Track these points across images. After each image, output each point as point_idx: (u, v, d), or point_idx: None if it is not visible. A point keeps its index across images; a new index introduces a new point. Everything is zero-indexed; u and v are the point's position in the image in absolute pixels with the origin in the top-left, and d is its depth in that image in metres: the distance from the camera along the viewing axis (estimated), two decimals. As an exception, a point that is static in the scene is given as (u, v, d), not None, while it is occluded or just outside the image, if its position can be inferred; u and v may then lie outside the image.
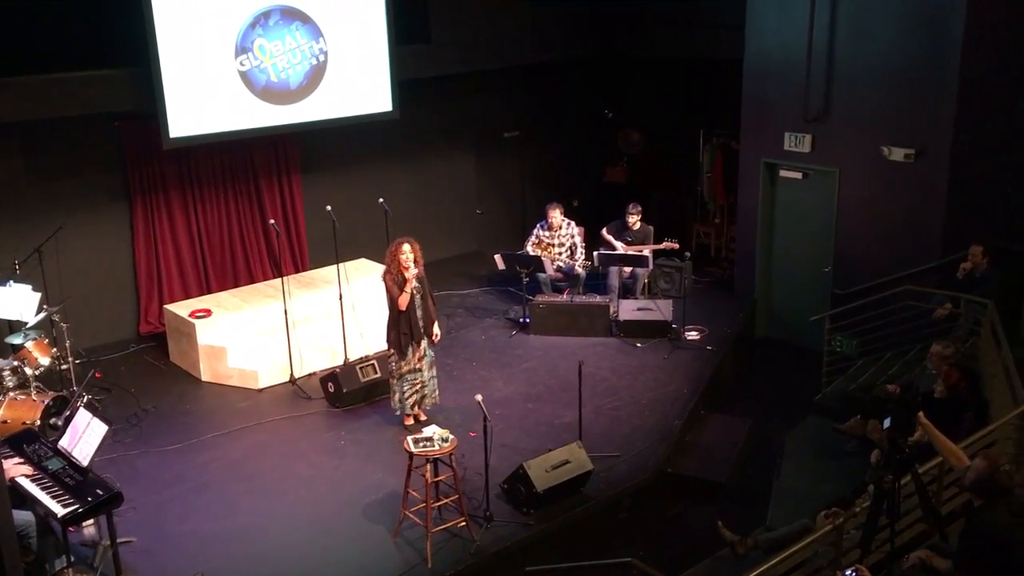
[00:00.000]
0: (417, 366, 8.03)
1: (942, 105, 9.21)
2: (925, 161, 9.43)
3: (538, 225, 11.08)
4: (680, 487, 7.98)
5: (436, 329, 8.04)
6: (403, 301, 7.76)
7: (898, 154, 9.52)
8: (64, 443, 6.36)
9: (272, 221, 10.13)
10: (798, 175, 10.66)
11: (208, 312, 9.63)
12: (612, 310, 10.43)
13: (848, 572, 4.72)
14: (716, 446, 8.51)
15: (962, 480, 5.36)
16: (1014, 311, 9.06)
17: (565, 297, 10.61)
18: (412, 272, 7.74)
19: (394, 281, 7.81)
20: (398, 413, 8.19)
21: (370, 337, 9.47)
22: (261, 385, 9.24)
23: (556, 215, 10.83)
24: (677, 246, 10.84)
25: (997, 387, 7.17)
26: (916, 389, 7.40)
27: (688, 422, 8.67)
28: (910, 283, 9.30)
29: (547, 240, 10.98)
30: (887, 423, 5.30)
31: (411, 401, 8.09)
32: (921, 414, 5.55)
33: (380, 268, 8.07)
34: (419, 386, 8.09)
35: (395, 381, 8.09)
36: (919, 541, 5.77)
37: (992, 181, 9.36)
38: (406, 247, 7.76)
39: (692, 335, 10.29)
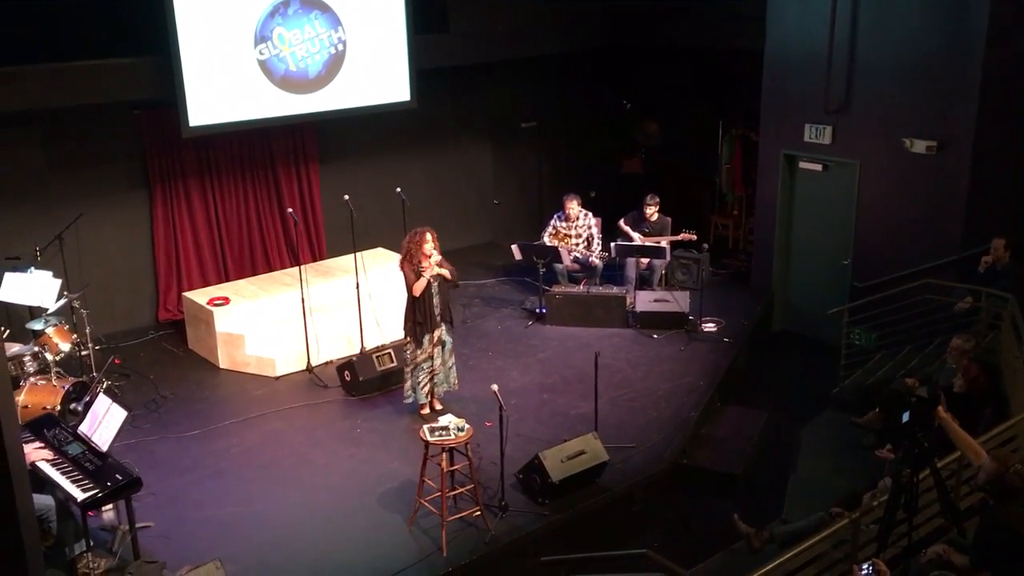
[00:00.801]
0: (431, 353, 8.03)
1: (965, 97, 9.11)
2: (947, 154, 9.34)
3: (555, 216, 11.06)
4: (695, 479, 7.96)
5: (445, 271, 7.83)
6: (418, 287, 7.77)
7: (920, 146, 9.44)
8: (84, 428, 6.41)
9: (290, 210, 10.15)
10: (818, 167, 10.58)
11: (226, 300, 9.67)
12: (629, 301, 10.41)
13: (865, 566, 4.70)
14: (732, 438, 8.48)
15: (975, 480, 5.32)
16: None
17: (582, 288, 10.59)
18: (435, 258, 7.76)
19: (412, 269, 7.82)
20: (408, 401, 8.20)
21: (386, 326, 9.49)
22: (278, 373, 9.28)
23: (573, 206, 10.81)
24: (695, 237, 10.80)
25: (1017, 382, 7.11)
26: (935, 383, 7.34)
27: (704, 414, 8.64)
28: (930, 276, 9.23)
29: (564, 231, 10.95)
30: (906, 417, 5.26)
31: (425, 391, 8.09)
32: (940, 409, 5.50)
33: (397, 257, 8.06)
34: (431, 374, 8.08)
35: (408, 370, 8.10)
36: (937, 536, 5.74)
37: (1015, 174, 9.27)
38: (428, 236, 7.80)
39: (709, 327, 10.25)
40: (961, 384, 7.36)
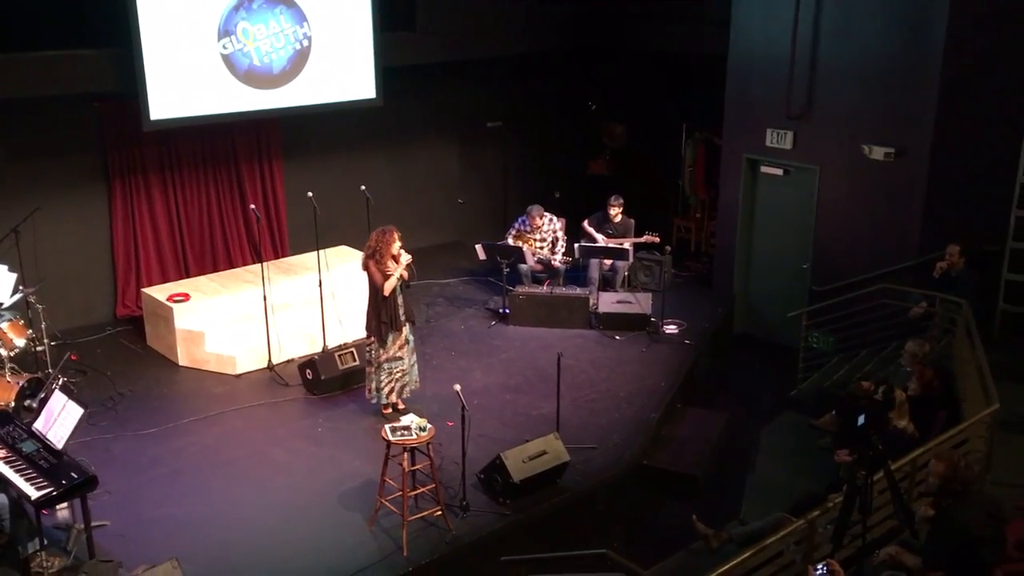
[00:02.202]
0: (398, 354, 8.02)
1: (923, 105, 9.28)
2: (905, 160, 9.49)
3: (519, 219, 11.07)
4: (656, 480, 8.02)
5: (405, 271, 7.81)
6: (388, 286, 7.76)
7: (878, 153, 9.58)
8: (39, 425, 6.31)
9: (253, 206, 10.07)
10: (779, 171, 10.71)
11: (186, 296, 9.57)
12: (592, 302, 10.46)
13: (819, 567, 4.77)
14: (692, 440, 8.56)
15: (926, 487, 5.41)
16: (988, 311, 9.16)
17: (545, 288, 10.62)
18: (406, 258, 7.76)
19: (378, 268, 7.80)
20: (374, 402, 8.18)
21: (349, 324, 9.45)
22: (239, 371, 9.21)
23: (537, 220, 10.84)
24: (658, 240, 10.88)
25: (970, 386, 7.26)
26: (891, 387, 7.47)
27: (665, 416, 8.71)
28: (887, 281, 9.38)
29: (528, 234, 10.98)
30: (861, 420, 5.35)
31: (387, 390, 8.08)
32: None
33: (360, 256, 8.03)
34: (399, 374, 8.08)
35: (372, 369, 8.07)
36: (890, 537, 5.84)
37: (971, 181, 9.44)
38: (396, 235, 7.78)
39: (671, 329, 10.34)
40: (915, 388, 7.49)
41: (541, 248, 10.97)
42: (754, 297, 11.39)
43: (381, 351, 7.97)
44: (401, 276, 7.85)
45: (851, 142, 9.82)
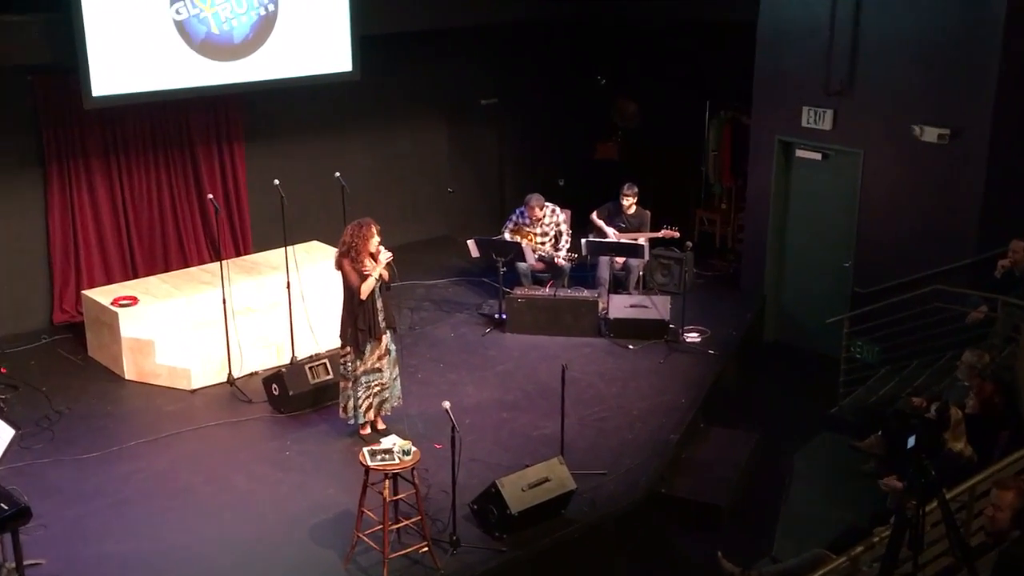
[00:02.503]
0: (377, 366, 8.02)
1: (982, 80, 9.28)
2: (961, 143, 9.50)
3: (517, 211, 11.07)
4: (675, 511, 8.02)
5: (384, 271, 7.81)
6: (365, 289, 7.75)
7: (931, 134, 9.59)
8: (-37, 449, 6.29)
9: (210, 196, 10.06)
10: (817, 156, 10.72)
11: (134, 300, 9.57)
12: (601, 306, 10.46)
13: (864, 610, 4.77)
14: (716, 464, 8.56)
15: (994, 527, 5.39)
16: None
17: (547, 291, 10.62)
18: (385, 256, 7.75)
19: (353, 267, 7.79)
20: (350, 423, 8.18)
21: (321, 332, 9.44)
22: (194, 385, 9.20)
23: (537, 211, 10.84)
24: (677, 234, 10.88)
25: (1036, 403, 7.27)
26: (945, 403, 7.47)
27: (685, 437, 8.71)
28: (941, 282, 9.38)
29: (527, 228, 10.98)
30: (911, 442, 5.34)
31: (365, 407, 8.07)
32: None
33: (334, 252, 8.03)
34: (377, 388, 8.08)
35: (348, 384, 8.07)
36: (945, 576, 5.85)
37: (1036, 167, 9.46)
38: (375, 230, 7.77)
39: (692, 337, 10.34)
40: (974, 404, 7.50)
41: (542, 244, 10.98)
42: (788, 300, 11.40)
43: (358, 363, 7.97)
44: (380, 277, 7.84)
45: (899, 122, 9.83)
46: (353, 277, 7.80)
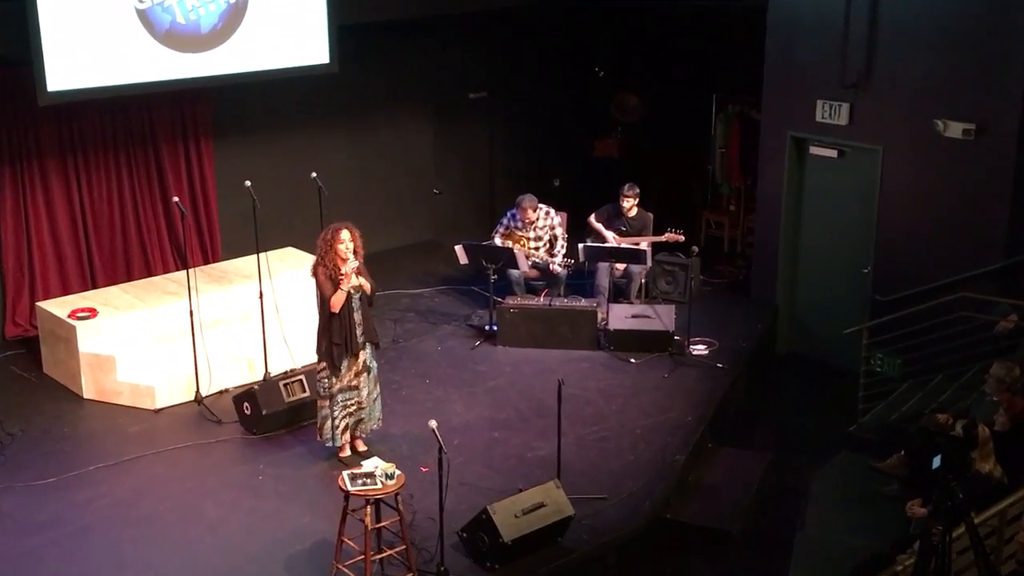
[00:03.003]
0: (353, 383, 8.01)
1: (1010, 71, 9.32)
2: (988, 138, 9.54)
3: (508, 214, 11.08)
4: (681, 538, 8.02)
5: (364, 282, 7.83)
6: (336, 301, 7.74)
7: (955, 129, 9.62)
8: (-94, 475, 6.27)
9: (176, 199, 10.05)
10: (832, 153, 10.75)
11: (93, 312, 9.55)
12: (600, 317, 10.47)
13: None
14: (726, 487, 8.56)
15: None
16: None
17: (542, 300, 10.62)
18: (351, 265, 7.72)
19: (328, 276, 7.79)
20: (328, 445, 8.17)
21: (297, 347, 9.43)
22: (159, 404, 9.19)
23: (530, 213, 10.84)
24: (682, 238, 10.90)
25: (1071, 419, 7.28)
26: (973, 420, 7.49)
27: (692, 457, 8.71)
28: (968, 289, 9.40)
29: (520, 232, 10.98)
30: (937, 462, 5.36)
31: (341, 427, 8.06)
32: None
33: (311, 259, 8.03)
34: (354, 407, 8.06)
35: (325, 403, 8.06)
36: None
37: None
38: (345, 234, 7.74)
39: (699, 349, 10.35)
40: (1003, 421, 7.52)
41: (536, 249, 10.98)
42: (802, 309, 11.42)
43: (334, 379, 7.96)
44: (360, 288, 7.84)
45: (921, 116, 9.87)
46: (327, 287, 7.79)
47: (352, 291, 7.80)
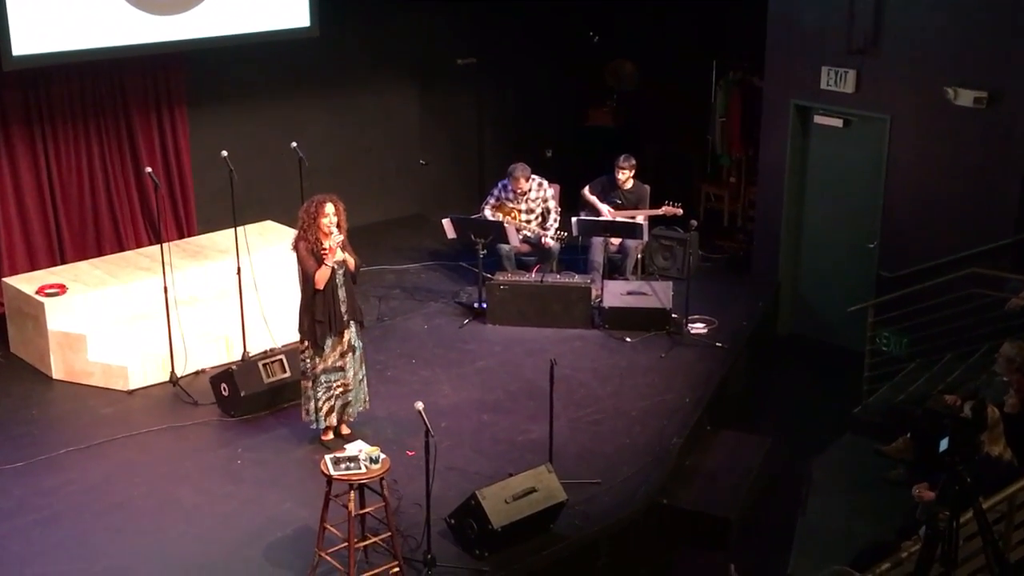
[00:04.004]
0: (339, 363, 8.01)
1: None
2: (1000, 107, 9.54)
3: (499, 185, 11.07)
4: (678, 524, 8.06)
5: (348, 257, 7.85)
6: (321, 277, 7.73)
7: (966, 97, 9.62)
8: None
9: (149, 170, 10.01)
10: (838, 122, 10.75)
11: (62, 288, 9.53)
12: (595, 294, 10.48)
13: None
14: (725, 472, 8.59)
15: None
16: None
17: (533, 276, 10.63)
18: (335, 239, 7.71)
19: (310, 251, 7.78)
20: (313, 426, 8.18)
21: (277, 325, 9.43)
22: (132, 385, 9.19)
23: (523, 183, 10.82)
24: (680, 212, 10.89)
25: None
26: (982, 401, 7.52)
27: (690, 441, 8.74)
28: (978, 265, 9.42)
29: (511, 204, 10.97)
30: (944, 445, 5.38)
31: (326, 410, 8.06)
32: None
33: (291, 233, 8.01)
34: (340, 389, 8.07)
35: (308, 384, 8.07)
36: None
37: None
38: (329, 207, 7.73)
39: (697, 328, 10.37)
40: (1014, 403, 7.55)
41: (528, 223, 10.97)
42: (805, 286, 11.44)
43: (316, 360, 7.96)
44: (344, 264, 7.83)
45: (931, 84, 9.86)
46: (309, 262, 7.77)
47: (336, 266, 7.80)
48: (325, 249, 7.72)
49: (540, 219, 11.02)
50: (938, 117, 9.93)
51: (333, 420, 8.16)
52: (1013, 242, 9.57)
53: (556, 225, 10.96)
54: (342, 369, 8.05)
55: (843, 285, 10.80)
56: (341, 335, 7.97)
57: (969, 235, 9.78)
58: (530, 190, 10.93)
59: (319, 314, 7.84)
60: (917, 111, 10.10)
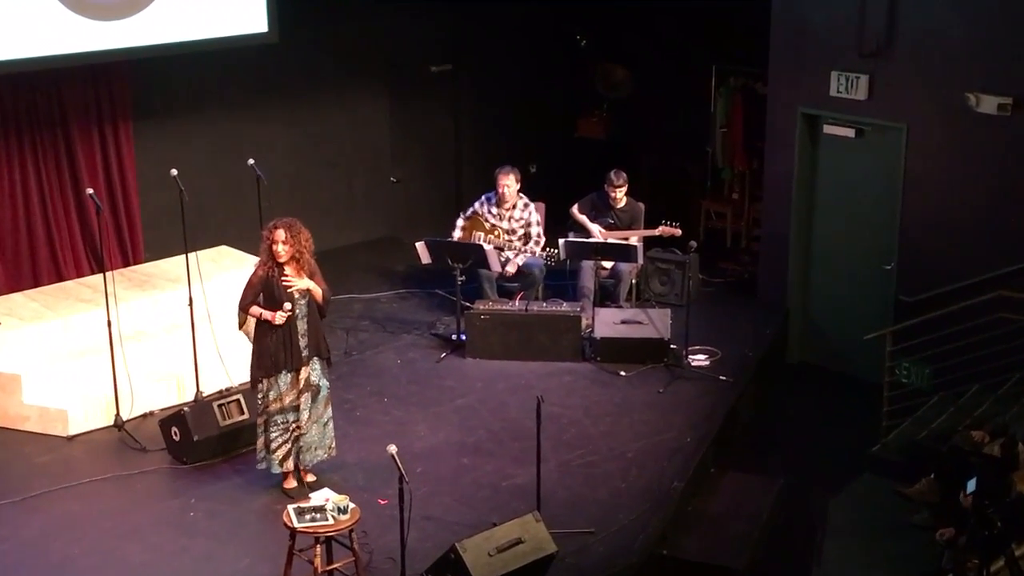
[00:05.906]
0: (295, 403, 7.98)
1: (1050, 37, 9.42)
2: (1026, 115, 9.63)
3: (482, 198, 11.07)
4: (680, 577, 8.06)
5: (313, 285, 7.89)
6: (246, 316, 7.79)
7: (989, 104, 9.68)
8: None
9: (90, 191, 9.99)
10: (850, 132, 10.80)
11: (-6, 323, 9.50)
12: (585, 323, 10.49)
13: None
14: (731, 518, 8.60)
15: None
16: None
17: (517, 304, 10.63)
18: (303, 283, 7.73)
19: (263, 280, 7.81)
20: (262, 467, 8.13)
21: (234, 361, 9.41)
22: (72, 431, 9.15)
23: (511, 183, 10.82)
24: (678, 232, 10.93)
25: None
26: (1013, 438, 7.56)
27: (692, 484, 8.75)
28: (1005, 288, 9.47)
29: (491, 220, 10.97)
30: (971, 486, 5.41)
31: (281, 454, 8.03)
32: None
33: (250, 260, 8.02)
34: (296, 430, 8.02)
35: (261, 421, 8.05)
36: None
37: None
38: (280, 233, 7.72)
39: (699, 360, 10.39)
40: (1047, 438, 7.59)
41: (510, 241, 10.93)
42: (816, 312, 11.48)
43: (270, 397, 7.94)
44: (308, 291, 7.83)
45: (951, 89, 9.93)
46: (251, 290, 7.84)
47: (297, 294, 7.80)
48: (287, 277, 7.73)
49: (522, 242, 11.00)
50: (959, 125, 9.98)
51: (290, 465, 8.12)
52: (1043, 262, 9.64)
53: (538, 250, 10.92)
54: (297, 408, 8.01)
55: (858, 311, 10.83)
56: (298, 372, 7.95)
57: (995, 255, 9.82)
58: (515, 205, 10.92)
59: (272, 345, 7.82)
60: (936, 119, 10.15)
